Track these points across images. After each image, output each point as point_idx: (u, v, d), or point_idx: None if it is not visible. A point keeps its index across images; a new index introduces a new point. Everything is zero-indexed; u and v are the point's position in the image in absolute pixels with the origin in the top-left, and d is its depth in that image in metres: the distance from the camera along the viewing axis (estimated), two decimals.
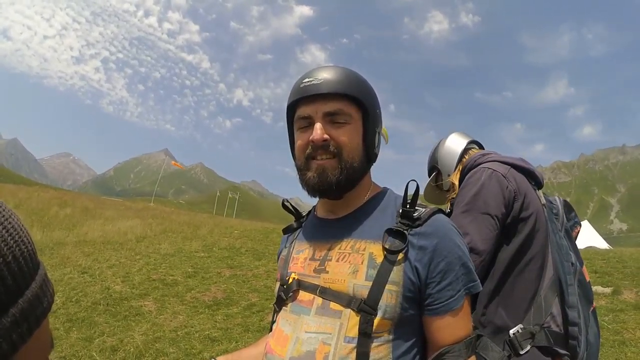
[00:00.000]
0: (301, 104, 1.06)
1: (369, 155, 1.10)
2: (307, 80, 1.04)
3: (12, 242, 0.41)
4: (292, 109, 1.10)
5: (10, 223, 0.42)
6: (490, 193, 1.50)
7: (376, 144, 1.11)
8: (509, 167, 1.60)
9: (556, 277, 1.40)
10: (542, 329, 1.34)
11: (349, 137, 1.04)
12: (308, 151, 1.05)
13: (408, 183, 1.05)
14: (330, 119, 1.03)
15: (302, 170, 1.08)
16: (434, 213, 1.02)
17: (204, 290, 6.85)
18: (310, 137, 1.02)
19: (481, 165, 1.63)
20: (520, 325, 1.35)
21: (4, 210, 0.43)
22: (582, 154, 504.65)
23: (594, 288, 6.27)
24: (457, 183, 1.79)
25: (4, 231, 0.41)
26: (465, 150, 1.87)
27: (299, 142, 1.08)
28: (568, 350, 1.34)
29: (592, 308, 1.49)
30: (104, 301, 5.77)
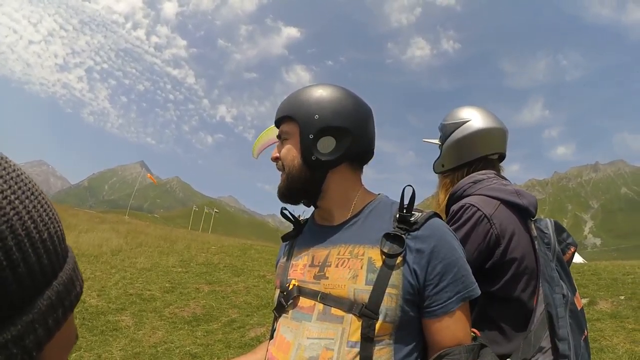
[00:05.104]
0: None
1: (307, 162, 1.12)
2: None
3: (47, 218, 0.37)
4: None
5: (44, 198, 0.38)
6: (470, 238, 1.45)
7: (317, 150, 1.11)
8: (499, 202, 1.49)
9: (547, 312, 1.36)
10: None
11: (287, 150, 1.16)
12: None
13: (404, 188, 1.07)
14: (280, 139, 1.20)
15: None
16: (430, 217, 1.05)
17: (182, 305, 6.73)
18: None
19: (467, 200, 1.52)
20: None
21: (37, 187, 0.38)
22: (556, 172, 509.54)
23: None
24: (443, 202, 1.70)
25: (39, 206, 0.36)
26: (472, 163, 1.67)
27: None
28: None
29: (584, 336, 1.43)
30: (80, 315, 5.60)
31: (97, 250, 10.57)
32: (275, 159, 1.19)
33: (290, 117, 1.14)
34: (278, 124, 1.20)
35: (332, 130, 1.10)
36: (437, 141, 1.80)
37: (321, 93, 1.13)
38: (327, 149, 1.11)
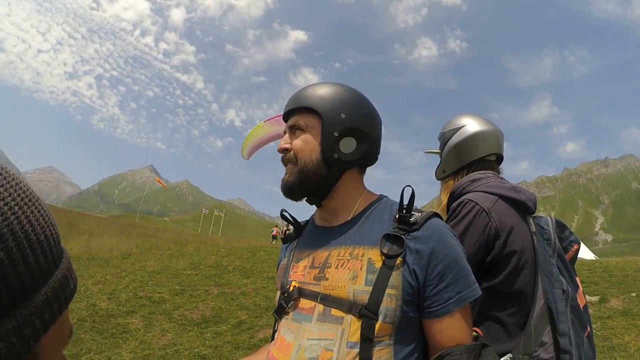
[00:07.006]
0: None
1: (327, 159, 1.10)
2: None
3: (43, 222, 0.41)
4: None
5: (40, 204, 0.43)
6: (469, 232, 1.47)
7: (339, 149, 1.10)
8: (497, 198, 1.52)
9: (547, 307, 1.37)
10: (530, 358, 1.33)
11: (303, 142, 1.11)
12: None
13: (404, 189, 1.06)
14: (292, 130, 1.15)
15: None
16: (430, 217, 1.04)
17: (192, 308, 6.78)
18: None
19: (466, 197, 1.55)
20: (510, 355, 1.32)
21: (35, 194, 0.43)
22: (566, 168, 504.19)
23: None
24: (444, 201, 1.75)
25: (36, 211, 0.41)
26: (471, 164, 1.73)
27: None
28: None
29: (587, 333, 1.43)
30: (90, 318, 5.66)
31: (108, 254, 10.69)
32: (285, 150, 1.14)
33: (312, 110, 1.11)
34: (291, 114, 1.16)
35: (355, 132, 1.11)
36: (437, 150, 1.88)
37: (344, 93, 1.13)
38: (348, 149, 1.11)
